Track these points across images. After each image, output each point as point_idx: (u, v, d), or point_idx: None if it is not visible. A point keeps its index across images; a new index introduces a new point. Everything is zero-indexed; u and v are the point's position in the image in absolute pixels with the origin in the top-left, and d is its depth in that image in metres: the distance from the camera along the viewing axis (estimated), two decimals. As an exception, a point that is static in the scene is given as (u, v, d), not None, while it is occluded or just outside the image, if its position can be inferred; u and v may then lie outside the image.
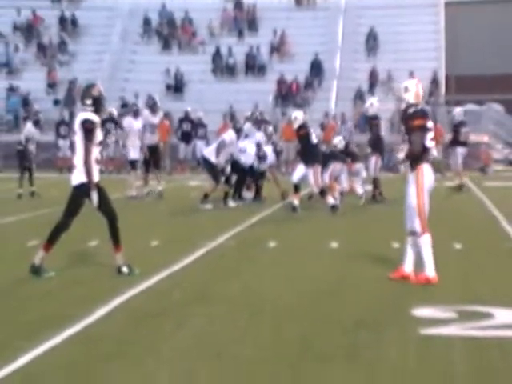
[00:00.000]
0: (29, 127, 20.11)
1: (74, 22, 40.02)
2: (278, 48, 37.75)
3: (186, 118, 31.01)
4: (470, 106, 33.15)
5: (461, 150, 21.83)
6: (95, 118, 9.18)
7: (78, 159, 9.14)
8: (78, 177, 9.16)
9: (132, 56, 39.26)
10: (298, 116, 16.64)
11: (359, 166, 18.04)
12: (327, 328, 7.00)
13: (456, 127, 22.07)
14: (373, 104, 18.51)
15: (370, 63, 35.92)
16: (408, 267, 8.92)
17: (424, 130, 8.84)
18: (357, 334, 6.81)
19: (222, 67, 37.22)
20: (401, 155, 8.92)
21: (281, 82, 34.78)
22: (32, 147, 19.54)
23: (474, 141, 30.04)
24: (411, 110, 8.96)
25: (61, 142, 30.73)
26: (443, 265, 9.93)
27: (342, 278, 9.31)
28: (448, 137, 27.63)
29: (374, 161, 18.05)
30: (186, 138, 30.77)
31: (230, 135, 17.36)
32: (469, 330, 6.87)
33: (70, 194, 9.24)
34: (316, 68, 35.79)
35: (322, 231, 13.34)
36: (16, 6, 39.78)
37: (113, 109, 27.60)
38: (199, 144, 30.12)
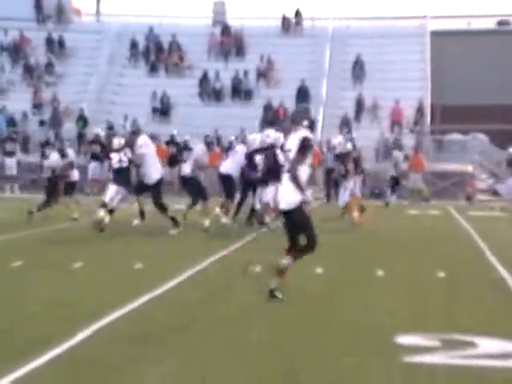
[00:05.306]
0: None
1: (62, 44, 40.06)
2: (265, 73, 37.89)
3: (172, 141, 31.01)
4: (455, 136, 33.39)
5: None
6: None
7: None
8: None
9: (119, 79, 39.30)
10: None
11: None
12: (312, 355, 6.98)
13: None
14: (341, 142, 18.60)
15: (356, 91, 36.09)
16: None
17: None
18: (341, 361, 6.80)
19: (208, 91, 37.30)
20: None
21: (267, 108, 34.85)
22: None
23: (458, 170, 30.33)
24: None
25: (46, 163, 30.52)
26: (427, 293, 9.98)
27: (326, 303, 9.30)
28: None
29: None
30: (172, 161, 30.72)
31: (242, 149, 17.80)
32: (452, 358, 6.87)
33: None
34: (302, 94, 35.90)
35: (308, 256, 13.28)
36: (3, 27, 39.80)
37: (99, 129, 27.56)
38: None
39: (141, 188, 16.83)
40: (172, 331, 7.81)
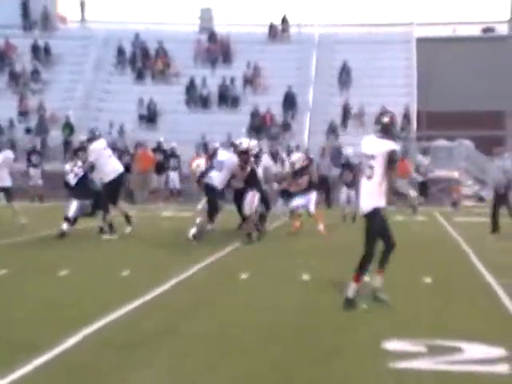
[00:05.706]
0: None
1: (47, 51, 39.97)
2: (252, 80, 37.94)
3: (159, 148, 31.03)
4: (442, 142, 33.50)
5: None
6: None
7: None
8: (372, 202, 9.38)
9: (105, 85, 39.24)
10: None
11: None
12: (299, 359, 7.00)
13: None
14: (300, 158, 18.51)
15: (342, 97, 36.15)
16: None
17: None
18: (328, 365, 6.82)
19: (195, 98, 37.31)
20: None
21: (254, 114, 34.89)
22: None
23: (445, 176, 30.43)
24: None
25: (32, 171, 30.49)
26: (413, 298, 10.02)
27: (313, 309, 9.32)
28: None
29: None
30: (159, 168, 30.75)
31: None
32: (438, 364, 6.91)
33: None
34: (289, 101, 35.98)
35: (294, 264, 13.31)
36: (-12, 34, 39.77)
37: (85, 136, 27.45)
38: (172, 174, 30.21)
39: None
40: (164, 335, 7.83)
